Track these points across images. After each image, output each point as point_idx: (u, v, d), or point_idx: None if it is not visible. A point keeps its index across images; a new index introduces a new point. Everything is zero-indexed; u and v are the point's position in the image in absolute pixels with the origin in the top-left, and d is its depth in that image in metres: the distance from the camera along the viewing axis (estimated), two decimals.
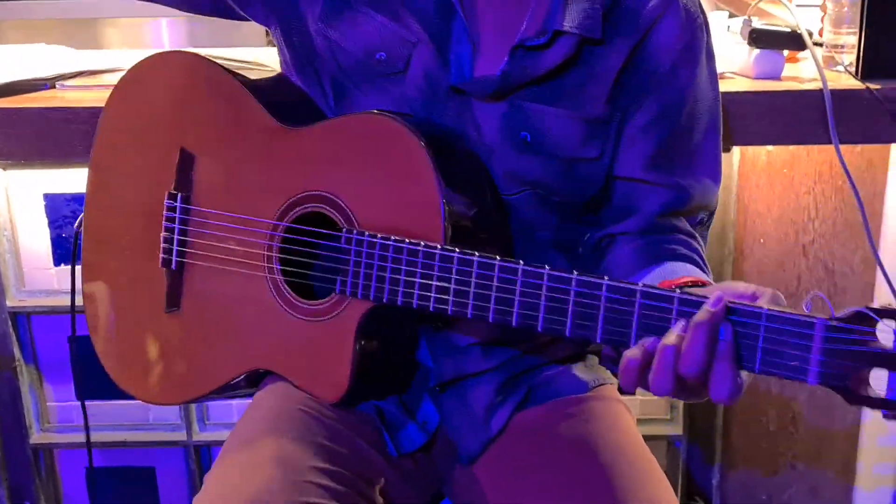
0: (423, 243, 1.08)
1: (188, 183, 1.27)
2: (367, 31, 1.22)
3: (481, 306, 1.05)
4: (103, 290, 1.36)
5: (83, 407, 1.59)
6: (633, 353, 0.95)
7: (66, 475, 2.05)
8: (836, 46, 1.67)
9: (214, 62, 1.28)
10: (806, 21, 1.65)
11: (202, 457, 2.00)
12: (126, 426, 1.97)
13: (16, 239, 1.89)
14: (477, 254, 1.05)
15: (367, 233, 1.12)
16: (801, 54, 1.74)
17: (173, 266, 1.28)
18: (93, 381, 1.60)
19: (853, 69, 1.63)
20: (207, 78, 1.28)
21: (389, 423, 1.23)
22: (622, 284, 0.98)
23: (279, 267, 1.20)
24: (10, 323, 1.91)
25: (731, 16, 1.95)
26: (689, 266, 1.16)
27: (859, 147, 1.76)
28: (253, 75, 1.30)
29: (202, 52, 1.31)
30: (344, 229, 1.14)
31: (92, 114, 1.54)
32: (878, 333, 0.87)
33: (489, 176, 1.19)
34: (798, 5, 1.73)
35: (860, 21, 1.61)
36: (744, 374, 0.93)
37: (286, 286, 1.19)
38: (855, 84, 1.60)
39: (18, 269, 1.91)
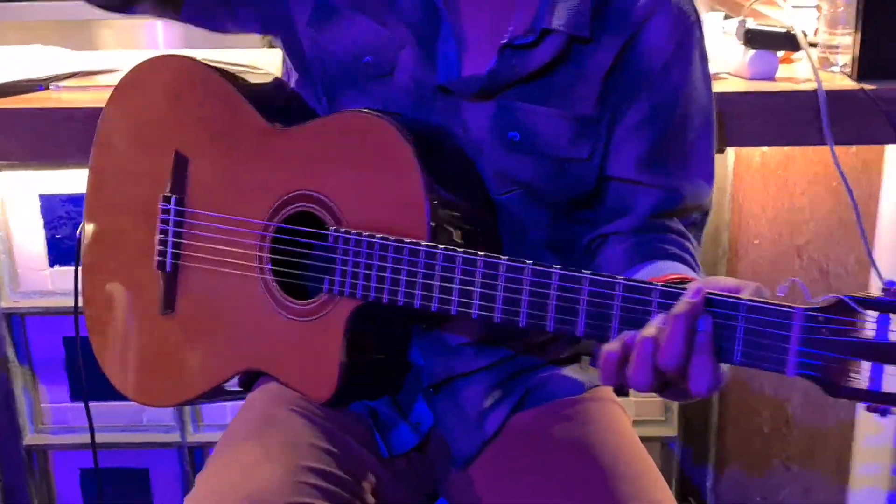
0: (407, 240, 1.08)
1: (183, 185, 1.28)
2: (355, 35, 1.22)
3: (466, 302, 1.05)
4: (102, 292, 1.36)
5: (87, 408, 1.59)
6: (612, 346, 0.94)
7: (59, 476, 2.04)
8: (830, 47, 1.67)
9: (210, 65, 1.29)
10: (801, 22, 1.65)
11: (196, 458, 2.00)
12: (120, 427, 1.97)
13: (10, 240, 1.89)
14: (460, 250, 1.05)
15: (353, 231, 1.12)
16: (795, 55, 1.74)
17: (168, 268, 1.28)
18: (88, 383, 1.60)
19: (848, 70, 1.64)
20: (202, 81, 1.29)
21: (382, 424, 1.23)
22: (603, 278, 0.97)
23: (270, 267, 1.20)
24: (4, 324, 1.91)
25: (726, 16, 1.95)
26: (679, 265, 1.16)
27: (854, 148, 1.77)
28: (248, 78, 1.31)
29: (198, 53, 1.32)
30: (331, 228, 1.14)
31: (87, 115, 1.54)
32: (859, 323, 0.85)
33: (479, 175, 1.19)
34: (793, 6, 1.74)
35: (856, 22, 1.62)
36: (725, 366, 0.92)
37: (277, 286, 1.19)
38: (850, 85, 1.60)
39: (13, 270, 1.91)
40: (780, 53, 1.68)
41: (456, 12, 1.20)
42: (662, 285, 0.95)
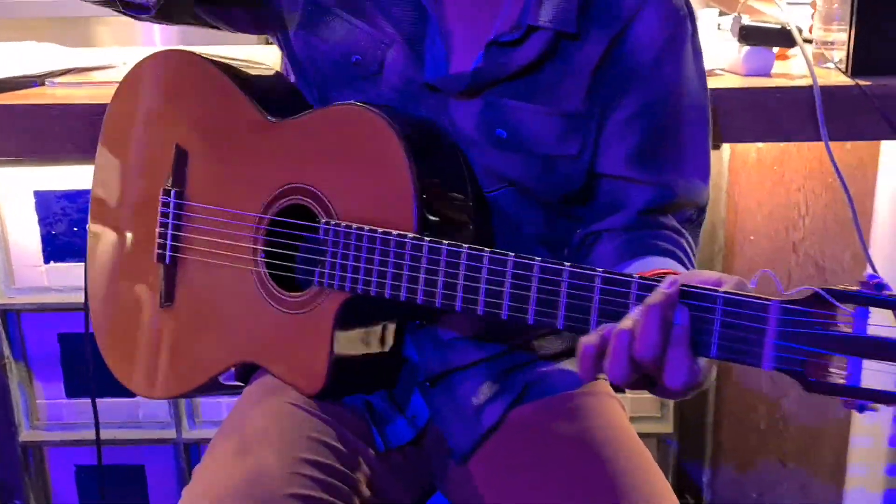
0: (394, 233, 1.08)
1: (183, 179, 1.29)
2: (344, 36, 1.23)
3: (449, 294, 1.05)
4: (106, 286, 1.37)
5: (94, 405, 1.58)
6: (589, 339, 0.94)
7: (55, 473, 2.04)
8: (825, 43, 1.67)
9: (211, 59, 1.30)
10: (796, 18, 1.65)
11: (192, 454, 2.00)
12: (116, 424, 1.97)
13: (5, 236, 1.89)
14: (445, 242, 1.05)
15: (342, 224, 1.12)
16: (790, 51, 1.74)
17: (167, 261, 1.29)
18: (84, 379, 1.59)
19: (843, 66, 1.63)
20: (202, 75, 1.30)
21: (378, 417, 1.23)
22: (583, 270, 0.97)
23: (263, 259, 1.20)
24: None
25: (721, 13, 1.95)
26: (669, 260, 1.15)
27: (849, 144, 1.76)
28: (250, 72, 1.32)
29: (197, 50, 1.32)
30: (322, 221, 1.14)
31: (82, 111, 1.54)
32: (838, 317, 0.83)
33: (471, 169, 1.19)
34: (788, 2, 1.74)
35: (850, 18, 1.61)
36: (705, 365, 0.91)
37: (270, 279, 1.20)
38: (845, 81, 1.60)
39: (8, 267, 1.91)
40: (775, 50, 1.68)
41: (442, 10, 1.20)
42: (641, 278, 0.94)
